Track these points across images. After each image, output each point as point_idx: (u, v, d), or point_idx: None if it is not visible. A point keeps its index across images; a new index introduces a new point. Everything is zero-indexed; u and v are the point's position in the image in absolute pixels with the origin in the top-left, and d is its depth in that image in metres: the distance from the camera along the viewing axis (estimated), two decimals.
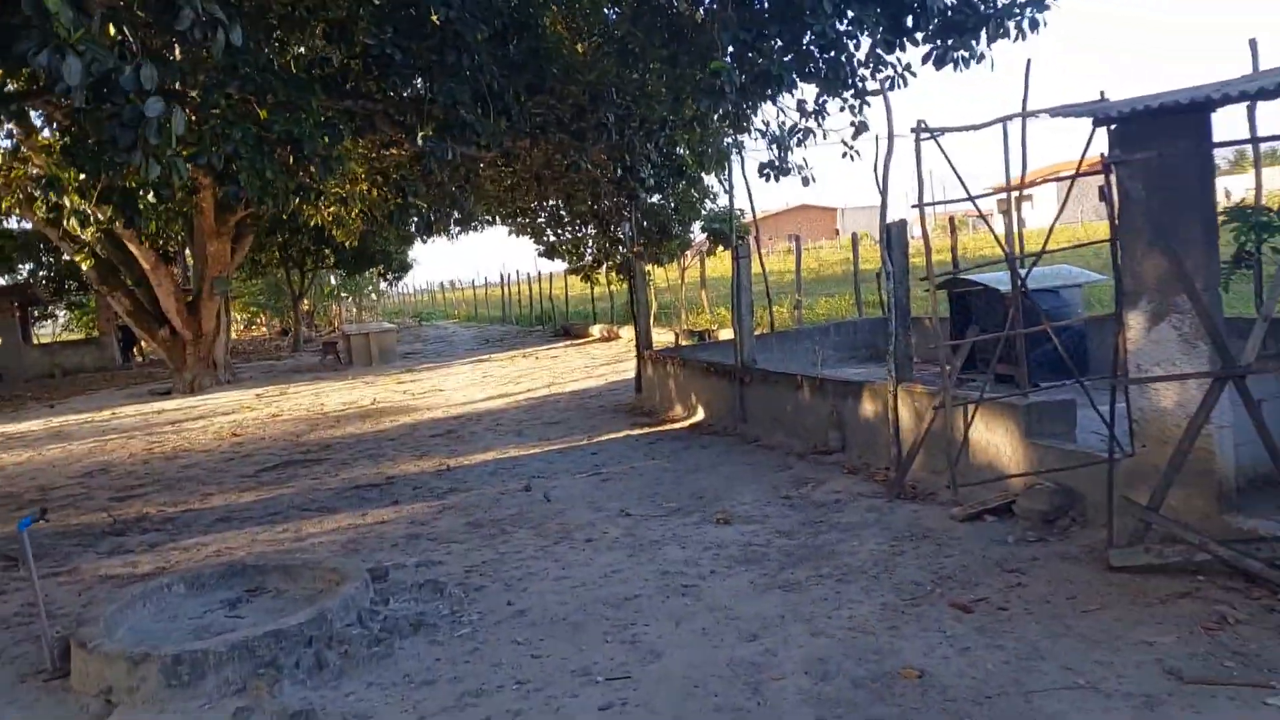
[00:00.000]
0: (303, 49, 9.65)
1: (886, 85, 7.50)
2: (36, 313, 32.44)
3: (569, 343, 24.14)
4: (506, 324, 36.98)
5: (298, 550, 6.35)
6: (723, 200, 15.95)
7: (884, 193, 6.93)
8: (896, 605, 4.40)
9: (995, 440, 5.99)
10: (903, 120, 6.58)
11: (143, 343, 20.48)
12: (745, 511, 6.40)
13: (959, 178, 5.24)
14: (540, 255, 17.48)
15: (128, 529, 7.43)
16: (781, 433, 8.66)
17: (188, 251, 22.65)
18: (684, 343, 17.68)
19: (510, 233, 18.16)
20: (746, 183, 11.88)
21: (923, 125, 5.12)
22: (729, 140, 10.47)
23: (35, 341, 30.79)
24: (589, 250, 17.54)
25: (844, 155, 9.05)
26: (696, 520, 6.30)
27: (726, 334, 18.32)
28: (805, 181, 9.83)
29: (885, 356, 13.32)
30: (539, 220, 17.86)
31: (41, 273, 24.73)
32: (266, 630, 4.17)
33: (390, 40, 7.59)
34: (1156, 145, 4.40)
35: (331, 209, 13.02)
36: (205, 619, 4.77)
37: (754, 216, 11.79)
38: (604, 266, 17.12)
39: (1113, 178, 4.57)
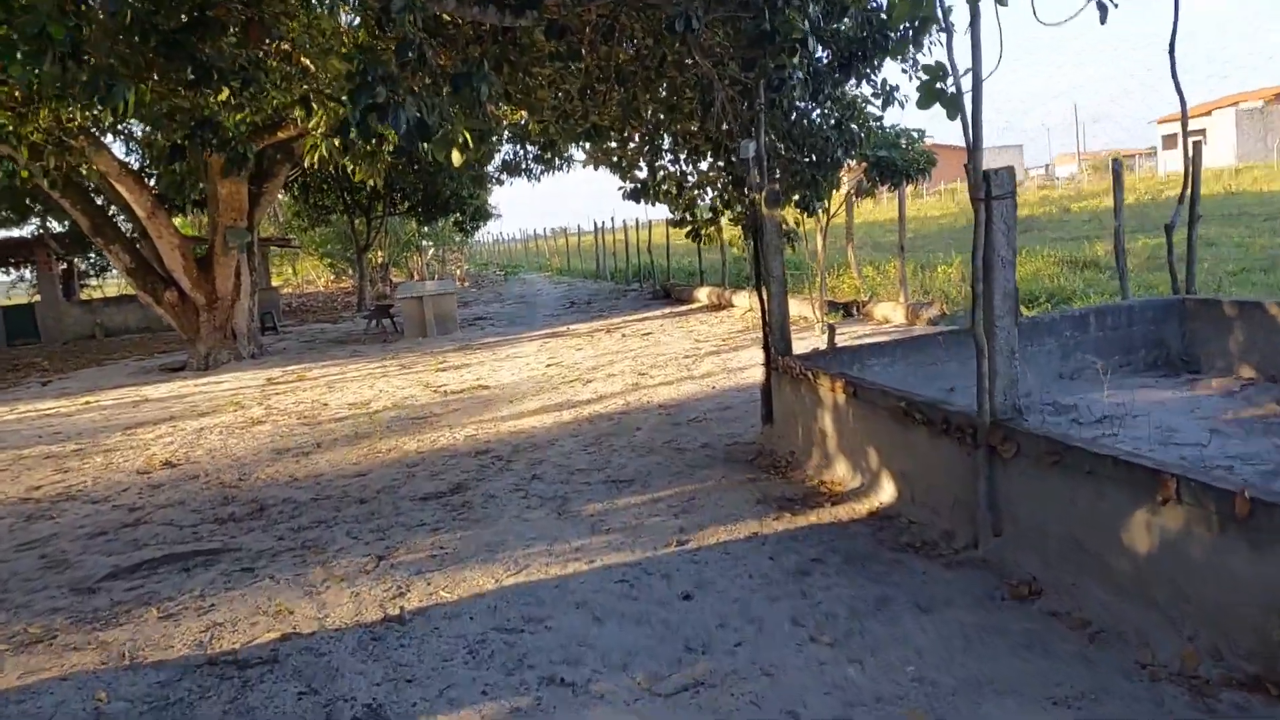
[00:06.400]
0: None
1: None
2: (95, 263, 29.85)
3: (669, 309, 19.49)
4: (601, 280, 32.50)
5: None
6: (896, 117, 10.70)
7: None
8: None
9: None
10: None
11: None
12: None
13: None
14: (626, 198, 12.44)
15: None
16: (1106, 590, 3.85)
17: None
18: (825, 319, 12.82)
19: (585, 164, 13.40)
20: (955, 69, 5.64)
21: None
22: None
23: (80, 297, 28.12)
24: (701, 194, 11.88)
25: None
26: None
27: (885, 309, 13.32)
28: (1103, 9, 4.79)
29: (1179, 368, 8.14)
30: (630, 146, 12.94)
31: (55, 222, 21.69)
32: None
33: None
34: None
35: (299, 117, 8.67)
36: None
37: (974, 134, 6.57)
38: (723, 221, 11.29)
39: None
